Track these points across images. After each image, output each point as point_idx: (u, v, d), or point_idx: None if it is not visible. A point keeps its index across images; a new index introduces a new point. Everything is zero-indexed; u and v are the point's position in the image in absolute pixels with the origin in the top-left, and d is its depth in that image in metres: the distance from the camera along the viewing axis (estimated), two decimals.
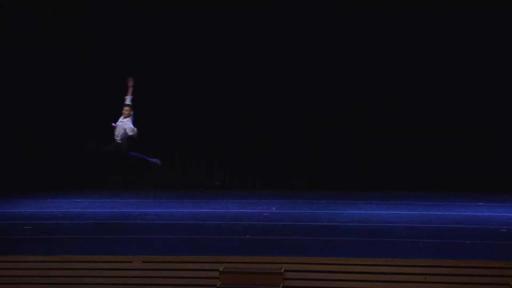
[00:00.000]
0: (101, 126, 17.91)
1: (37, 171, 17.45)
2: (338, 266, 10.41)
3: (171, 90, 18.08)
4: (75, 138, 17.72)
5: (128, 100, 13.83)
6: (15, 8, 17.67)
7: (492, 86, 17.43)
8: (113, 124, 13.71)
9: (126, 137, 13.62)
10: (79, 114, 17.65)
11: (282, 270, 10.36)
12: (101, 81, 18.10)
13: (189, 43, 18.00)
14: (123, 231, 12.80)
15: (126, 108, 13.80)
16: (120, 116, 13.83)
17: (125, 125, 13.65)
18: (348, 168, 17.76)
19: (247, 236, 12.21)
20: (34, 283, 10.64)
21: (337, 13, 17.60)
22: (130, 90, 13.86)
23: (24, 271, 10.68)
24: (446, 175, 17.42)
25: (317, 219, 14.02)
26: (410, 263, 10.37)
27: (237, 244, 11.70)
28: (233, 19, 17.84)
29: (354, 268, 10.39)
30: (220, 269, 10.41)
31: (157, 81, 18.04)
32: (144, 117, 18.06)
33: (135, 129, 13.57)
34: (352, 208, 15.16)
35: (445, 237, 12.20)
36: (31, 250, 11.17)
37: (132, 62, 17.98)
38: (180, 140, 18.15)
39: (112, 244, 11.79)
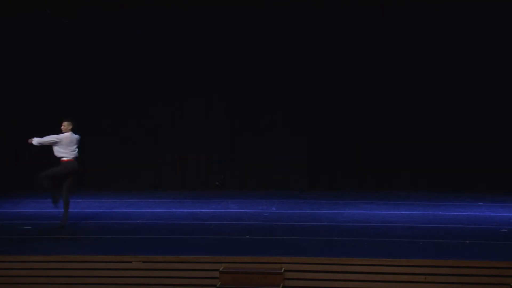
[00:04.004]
0: (100, 125, 18.11)
1: (37, 171, 17.42)
2: (338, 266, 10.41)
3: (171, 90, 18.09)
4: None
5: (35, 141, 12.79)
6: (15, 9, 17.70)
7: (492, 87, 17.46)
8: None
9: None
10: (78, 114, 17.62)
11: (282, 270, 10.36)
12: (99, 80, 18.13)
13: (188, 43, 18.01)
14: (123, 231, 12.80)
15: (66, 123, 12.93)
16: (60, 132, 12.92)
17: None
18: (348, 168, 17.78)
19: (247, 236, 12.21)
20: (34, 283, 10.64)
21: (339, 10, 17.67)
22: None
23: (24, 271, 10.67)
24: (446, 175, 17.43)
25: (317, 219, 14.01)
26: (410, 263, 10.36)
27: (237, 244, 11.69)
28: (233, 18, 17.88)
29: (354, 268, 10.39)
30: (220, 269, 10.40)
31: (157, 81, 18.08)
32: (144, 118, 18.24)
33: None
34: (352, 208, 15.16)
35: (445, 237, 12.19)
36: (31, 250, 11.17)
37: (131, 61, 18.04)
38: (180, 140, 18.16)
39: (112, 244, 11.78)
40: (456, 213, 14.68)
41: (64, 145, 12.84)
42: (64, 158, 12.84)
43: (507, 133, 17.39)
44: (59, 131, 12.92)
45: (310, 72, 17.86)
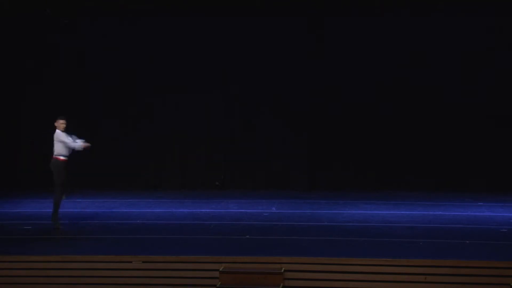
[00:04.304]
0: (100, 124, 18.11)
1: (37, 171, 17.44)
2: (338, 266, 10.41)
3: (170, 90, 18.08)
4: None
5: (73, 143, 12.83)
6: (15, 9, 17.71)
7: (492, 86, 17.46)
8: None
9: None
10: (78, 114, 17.63)
11: (282, 270, 10.36)
12: (99, 79, 18.12)
13: (187, 42, 18.00)
14: (123, 231, 12.80)
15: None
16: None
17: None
18: (348, 168, 17.77)
19: (247, 236, 12.21)
20: (34, 283, 10.64)
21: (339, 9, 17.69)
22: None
23: (24, 271, 10.68)
24: (446, 175, 17.43)
25: (317, 219, 14.02)
26: (410, 263, 10.36)
27: (237, 244, 11.69)
28: (233, 18, 17.88)
29: (354, 268, 10.39)
30: (220, 269, 10.41)
31: (157, 81, 18.08)
32: (144, 118, 18.24)
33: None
34: (352, 208, 15.16)
35: (445, 237, 12.20)
36: (31, 250, 11.17)
37: (131, 61, 18.03)
38: (180, 140, 18.15)
39: (112, 244, 11.79)
40: (456, 213, 14.68)
41: None
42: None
43: (507, 133, 17.37)
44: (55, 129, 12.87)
45: (310, 72, 17.84)
